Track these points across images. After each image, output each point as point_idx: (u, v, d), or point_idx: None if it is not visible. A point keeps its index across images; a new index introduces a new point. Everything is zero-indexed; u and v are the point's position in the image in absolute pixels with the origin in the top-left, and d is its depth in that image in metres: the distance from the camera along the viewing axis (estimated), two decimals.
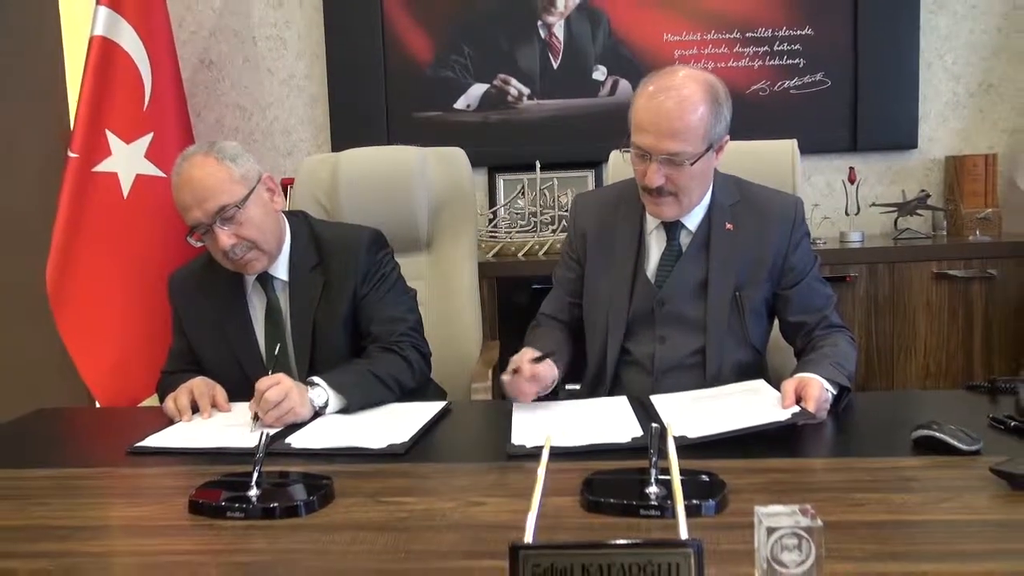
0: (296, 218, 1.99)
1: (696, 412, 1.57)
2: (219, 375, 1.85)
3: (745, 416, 1.49)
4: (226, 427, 1.65)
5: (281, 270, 1.91)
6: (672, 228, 1.82)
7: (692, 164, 1.68)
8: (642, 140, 1.69)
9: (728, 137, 1.78)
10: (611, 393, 1.84)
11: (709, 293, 1.79)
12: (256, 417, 1.61)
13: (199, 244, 1.83)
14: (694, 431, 1.45)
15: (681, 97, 1.67)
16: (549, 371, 1.68)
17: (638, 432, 1.47)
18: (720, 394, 1.69)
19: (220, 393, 1.77)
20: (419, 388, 1.90)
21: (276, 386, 1.60)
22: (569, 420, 1.60)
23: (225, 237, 1.77)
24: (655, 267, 1.83)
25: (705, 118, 1.68)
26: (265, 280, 1.90)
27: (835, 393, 1.57)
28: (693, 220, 1.81)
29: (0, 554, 1.12)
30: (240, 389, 1.77)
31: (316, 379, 1.70)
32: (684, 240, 1.82)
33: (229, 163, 1.79)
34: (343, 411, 1.70)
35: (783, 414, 1.48)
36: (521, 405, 1.67)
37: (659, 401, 1.66)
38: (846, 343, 1.74)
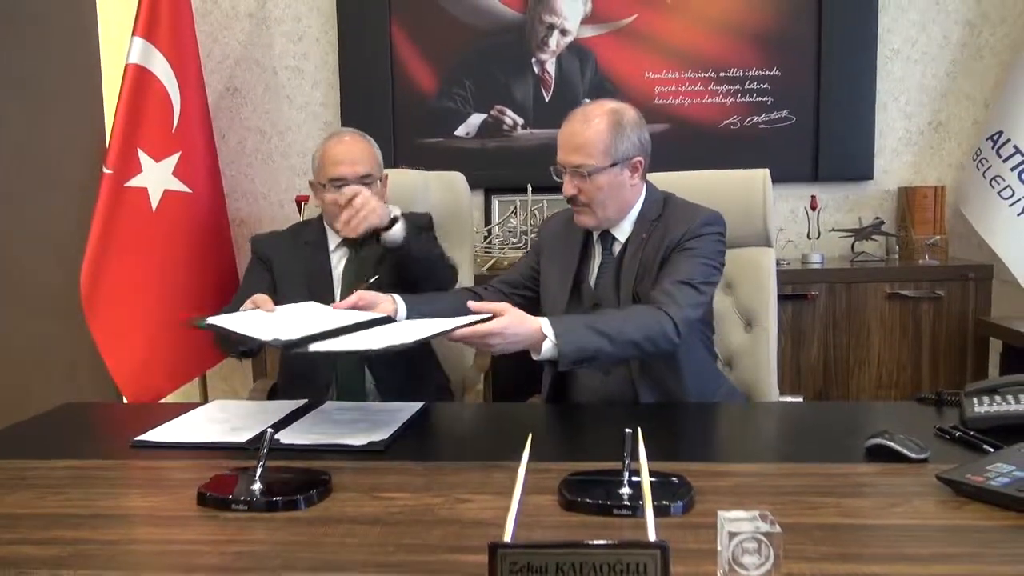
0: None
1: (393, 331, 1.58)
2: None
3: (421, 329, 1.51)
4: (224, 424, 1.61)
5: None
6: (605, 240, 1.86)
7: (595, 176, 1.75)
8: (558, 155, 1.81)
9: (641, 159, 1.81)
10: (557, 388, 1.88)
11: (620, 294, 1.82)
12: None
13: (329, 195, 1.98)
14: (376, 343, 1.46)
15: (583, 118, 1.78)
16: (383, 302, 1.73)
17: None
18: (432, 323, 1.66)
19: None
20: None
21: (359, 193, 1.83)
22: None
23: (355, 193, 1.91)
24: (595, 273, 1.87)
25: (604, 135, 1.75)
26: (348, 242, 2.05)
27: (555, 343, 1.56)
28: (622, 232, 1.85)
29: (17, 540, 1.09)
30: None
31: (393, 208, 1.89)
32: (615, 249, 1.86)
33: (376, 151, 2.08)
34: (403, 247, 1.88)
35: (445, 325, 1.49)
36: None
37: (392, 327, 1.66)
38: (639, 312, 1.68)
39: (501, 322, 1.52)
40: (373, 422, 1.58)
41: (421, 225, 2.07)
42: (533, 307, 1.85)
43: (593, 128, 1.76)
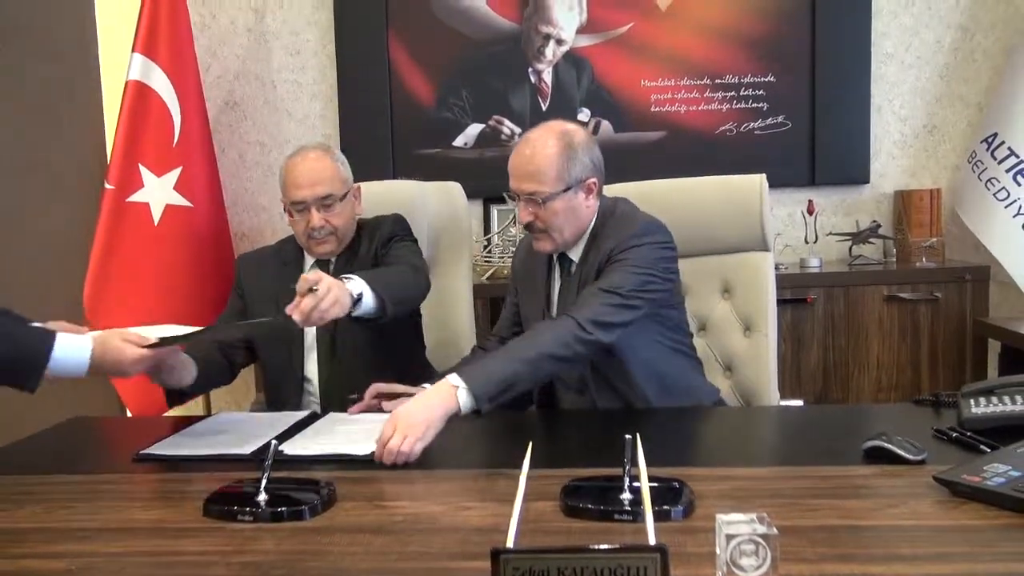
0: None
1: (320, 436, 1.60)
2: (268, 342, 1.99)
3: (336, 444, 1.53)
4: (229, 436, 1.63)
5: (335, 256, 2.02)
6: (562, 262, 1.86)
7: (549, 201, 1.73)
8: (510, 183, 1.78)
9: (595, 179, 1.77)
10: (539, 403, 1.90)
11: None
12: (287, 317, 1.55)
13: (291, 219, 1.96)
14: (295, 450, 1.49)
15: (532, 145, 1.75)
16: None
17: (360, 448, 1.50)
18: (362, 419, 1.70)
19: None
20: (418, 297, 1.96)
21: (320, 281, 1.55)
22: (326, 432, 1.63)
23: (317, 218, 1.91)
24: (556, 299, 1.87)
25: (555, 161, 1.72)
26: (321, 261, 2.01)
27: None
28: (577, 252, 1.83)
29: (26, 555, 1.10)
30: (281, 353, 1.95)
31: (349, 275, 1.68)
32: (572, 270, 1.84)
33: (340, 165, 1.98)
34: (378, 304, 1.69)
35: (359, 449, 1.49)
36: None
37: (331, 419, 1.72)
38: (547, 327, 1.64)
39: (402, 407, 1.46)
40: (376, 432, 1.59)
41: (390, 234, 2.01)
42: None
43: (544, 154, 1.73)
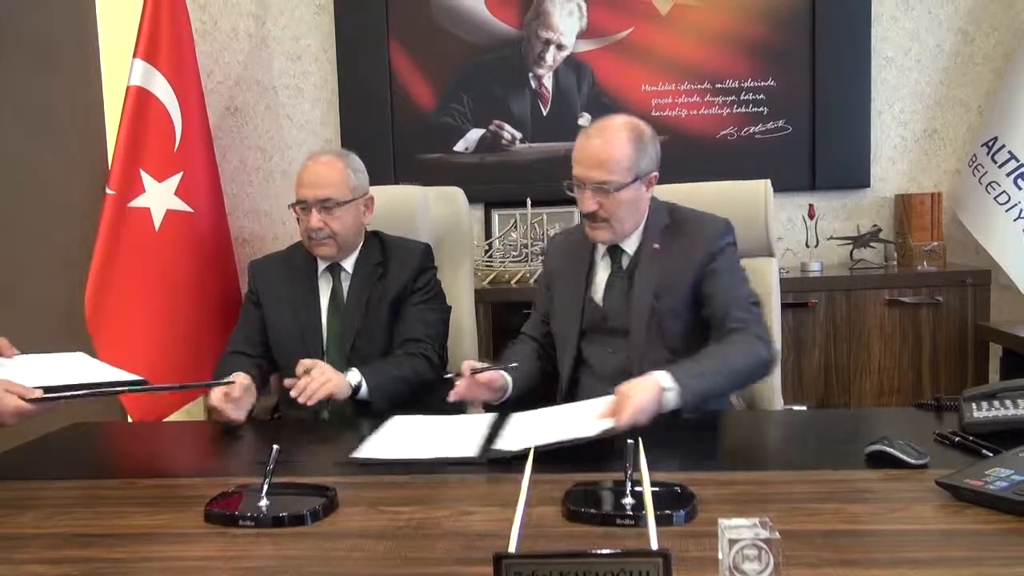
0: (372, 234, 2.12)
1: (535, 427, 1.55)
2: (284, 346, 2.01)
3: (565, 430, 1.48)
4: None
5: (349, 264, 2.05)
6: (614, 253, 1.86)
7: (619, 192, 1.75)
8: (576, 171, 1.79)
9: (656, 173, 1.83)
10: (568, 398, 1.87)
11: (631, 306, 1.82)
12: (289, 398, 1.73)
13: (296, 215, 1.99)
14: (517, 444, 1.44)
15: (606, 134, 1.77)
16: (497, 377, 1.75)
17: (593, 428, 1.46)
18: (568, 409, 1.68)
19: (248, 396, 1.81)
20: (431, 385, 1.96)
21: (316, 367, 1.76)
22: (537, 424, 1.59)
23: (316, 220, 1.94)
24: (602, 288, 1.87)
25: (627, 152, 1.75)
26: (334, 269, 2.04)
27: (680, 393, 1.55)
28: (631, 244, 1.85)
29: (28, 560, 1.10)
30: (298, 355, 1.89)
31: (354, 369, 1.85)
32: (625, 263, 1.86)
33: (351, 172, 2.00)
34: (370, 396, 1.83)
35: (591, 428, 1.46)
36: (487, 417, 1.68)
37: (516, 417, 1.65)
38: (738, 343, 1.68)
39: (634, 392, 1.50)
40: (454, 433, 1.59)
41: (421, 267, 2.06)
42: None
43: (617, 144, 1.75)
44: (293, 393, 1.75)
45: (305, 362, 1.78)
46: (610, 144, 1.75)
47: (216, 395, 1.73)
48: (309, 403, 1.74)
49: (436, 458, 1.45)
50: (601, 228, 1.81)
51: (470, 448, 1.48)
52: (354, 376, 1.84)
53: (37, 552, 1.13)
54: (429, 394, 1.95)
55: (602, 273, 1.89)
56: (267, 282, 2.09)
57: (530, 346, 1.99)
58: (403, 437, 1.61)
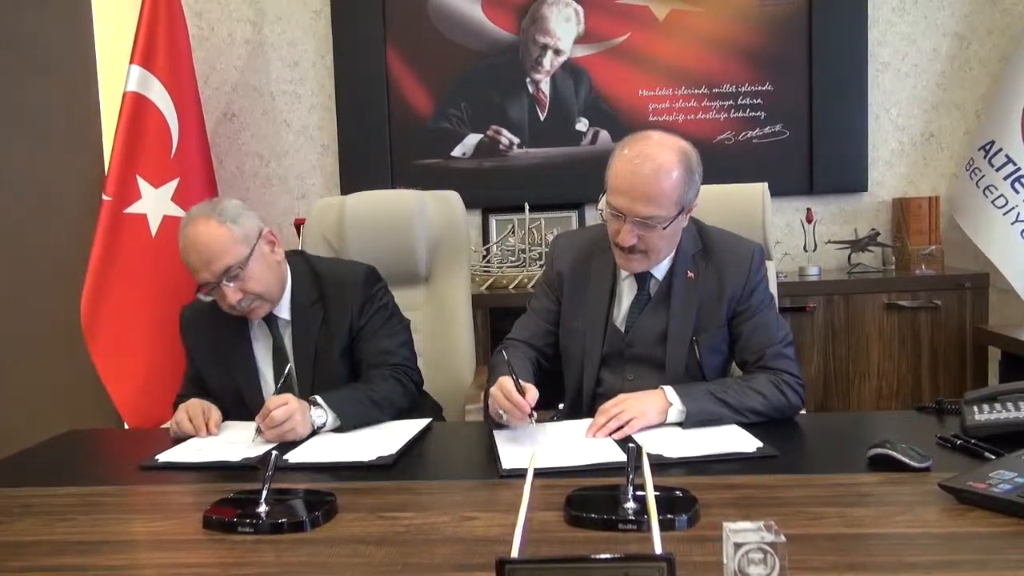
0: (296, 257, 1.95)
1: (668, 438, 1.54)
2: (222, 401, 1.82)
3: (711, 445, 1.48)
4: (228, 444, 1.62)
5: (284, 310, 1.86)
6: (642, 277, 1.76)
7: (664, 228, 1.63)
8: (617, 202, 1.63)
9: (697, 201, 1.71)
10: (571, 415, 1.80)
11: (669, 339, 1.73)
12: (259, 431, 1.59)
13: (208, 298, 1.78)
14: (670, 452, 1.42)
15: (657, 165, 1.61)
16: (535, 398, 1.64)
17: (616, 452, 1.44)
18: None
19: (214, 414, 1.73)
20: (412, 408, 1.85)
21: (283, 406, 1.58)
22: (552, 442, 1.57)
23: (232, 293, 1.73)
24: (625, 313, 1.77)
25: (678, 185, 1.62)
26: (269, 319, 1.85)
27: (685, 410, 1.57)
28: (660, 270, 1.75)
29: (26, 568, 1.09)
30: (240, 415, 1.77)
31: (318, 398, 1.66)
32: (652, 288, 1.76)
33: (231, 224, 1.74)
34: (338, 430, 1.67)
35: (745, 446, 1.47)
36: (502, 431, 1.61)
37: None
38: (765, 384, 1.64)
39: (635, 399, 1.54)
40: (379, 439, 1.59)
41: (364, 299, 1.86)
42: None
43: (670, 180, 1.61)
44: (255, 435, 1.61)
45: (274, 400, 1.60)
46: (662, 177, 1.60)
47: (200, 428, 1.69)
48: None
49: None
50: (637, 259, 1.68)
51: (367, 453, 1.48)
52: (320, 418, 1.65)
53: (35, 559, 1.12)
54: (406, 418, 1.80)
55: (627, 297, 1.78)
56: (195, 336, 1.91)
57: (530, 358, 1.83)
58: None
